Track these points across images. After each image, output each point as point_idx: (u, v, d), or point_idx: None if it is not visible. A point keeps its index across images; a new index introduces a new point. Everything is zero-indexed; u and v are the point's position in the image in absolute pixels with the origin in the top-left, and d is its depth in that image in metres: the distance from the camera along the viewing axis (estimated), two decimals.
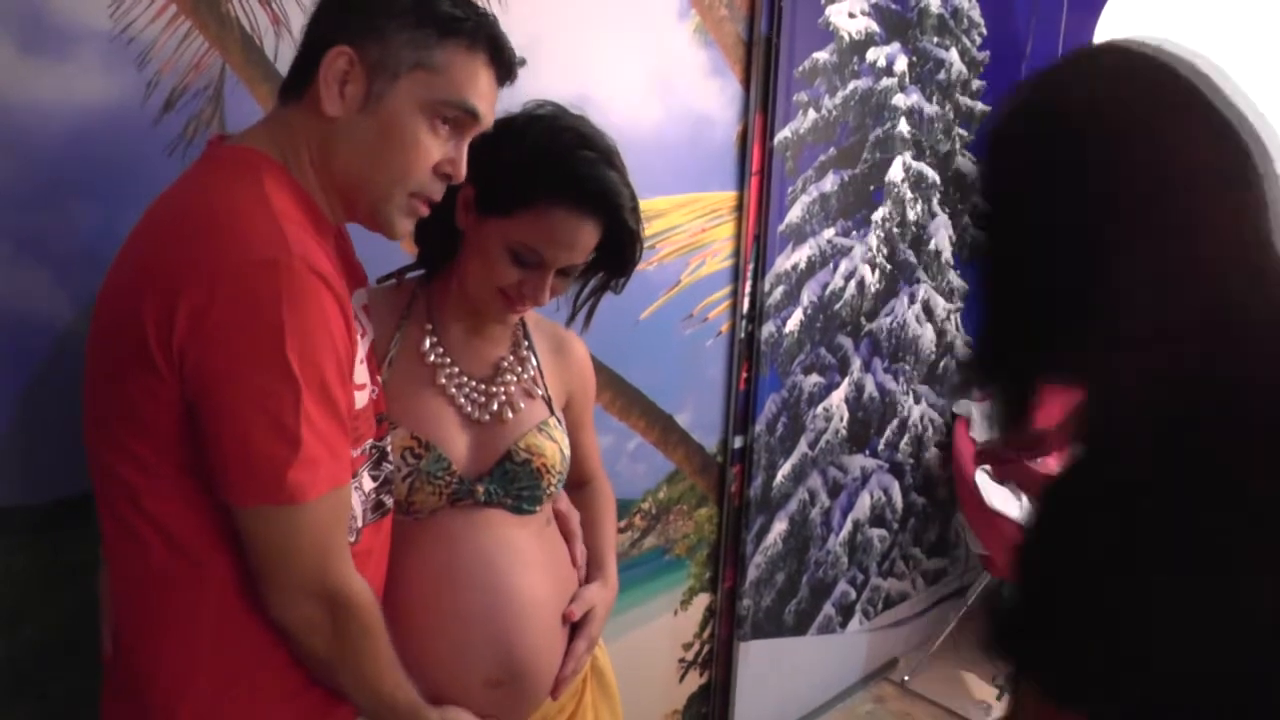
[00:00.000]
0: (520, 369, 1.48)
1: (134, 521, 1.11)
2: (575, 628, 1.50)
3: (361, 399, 1.21)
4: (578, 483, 1.71)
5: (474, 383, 1.44)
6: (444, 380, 1.42)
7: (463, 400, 1.42)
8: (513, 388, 1.46)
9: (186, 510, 1.10)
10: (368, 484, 1.27)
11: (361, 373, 1.21)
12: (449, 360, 1.43)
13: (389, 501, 1.33)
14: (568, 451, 1.50)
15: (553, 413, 1.50)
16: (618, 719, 1.71)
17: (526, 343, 1.52)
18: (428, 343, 1.43)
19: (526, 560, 1.43)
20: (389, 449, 1.34)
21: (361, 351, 1.22)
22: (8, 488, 1.35)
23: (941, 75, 2.95)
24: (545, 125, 1.35)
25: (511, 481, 1.42)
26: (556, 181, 1.31)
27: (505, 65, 1.21)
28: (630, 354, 2.22)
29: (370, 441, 1.27)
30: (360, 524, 1.25)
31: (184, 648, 1.14)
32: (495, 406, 1.43)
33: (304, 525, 1.08)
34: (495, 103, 1.21)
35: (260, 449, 1.04)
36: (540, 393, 1.50)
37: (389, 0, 1.14)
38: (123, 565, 1.16)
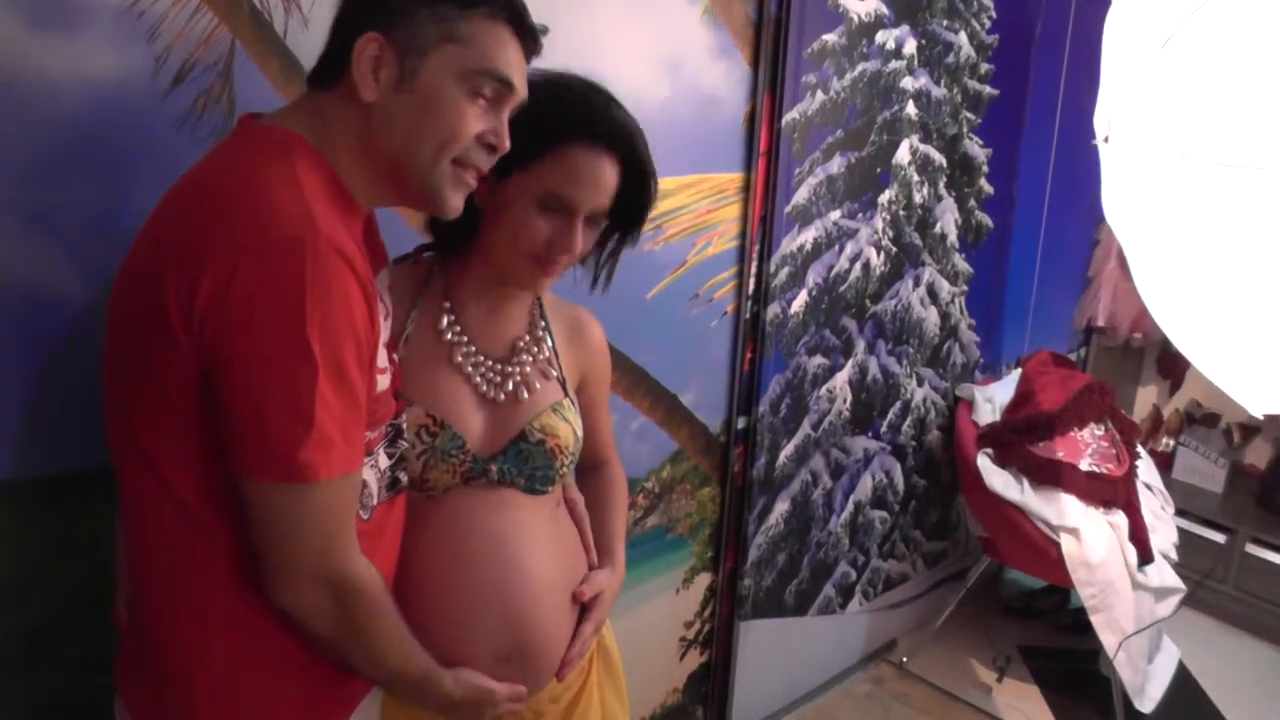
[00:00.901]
0: (536, 349, 1.49)
1: (151, 491, 1.12)
2: (583, 611, 1.52)
3: (383, 383, 1.22)
4: (591, 466, 1.71)
5: (490, 361, 1.44)
6: (460, 358, 1.42)
7: (478, 379, 1.42)
8: (528, 368, 1.46)
9: (203, 481, 1.11)
10: (383, 461, 1.28)
11: (382, 356, 1.21)
12: (466, 339, 1.44)
13: (404, 478, 1.34)
14: (580, 433, 1.51)
15: (567, 394, 1.51)
16: (623, 699, 1.72)
17: (543, 323, 1.53)
18: (445, 321, 1.43)
19: (538, 540, 1.44)
20: (404, 426, 1.35)
21: (385, 335, 1.23)
22: (18, 460, 1.36)
23: (950, 58, 2.95)
24: (552, 79, 1.37)
25: (525, 461, 1.42)
26: (572, 122, 1.33)
27: (528, 33, 1.22)
28: (636, 334, 2.22)
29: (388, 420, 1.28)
30: (375, 500, 1.26)
31: (200, 618, 1.15)
32: (510, 386, 1.44)
33: (312, 505, 1.09)
34: (525, 74, 1.22)
35: (274, 426, 1.04)
36: (555, 374, 1.51)
37: None
38: (138, 535, 1.17)
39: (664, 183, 2.18)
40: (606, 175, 1.35)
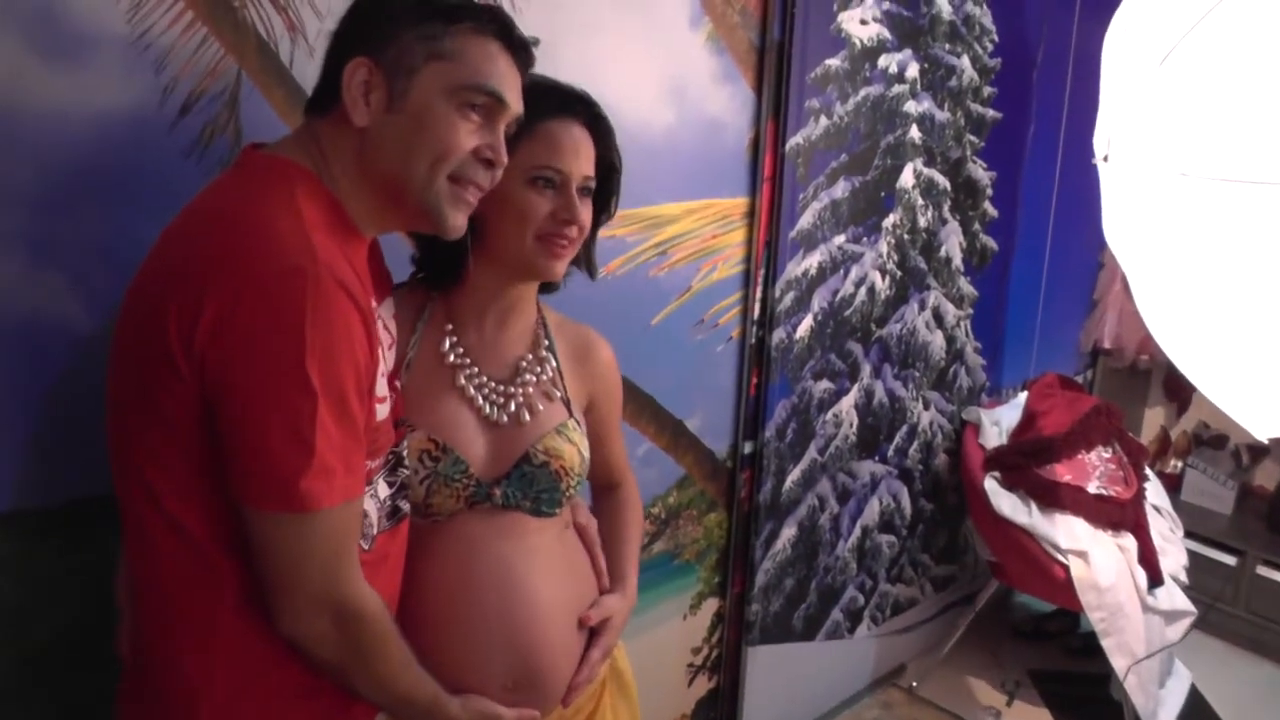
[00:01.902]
0: (540, 369, 1.49)
1: (153, 522, 1.12)
2: (591, 636, 1.51)
3: (382, 412, 1.22)
4: (605, 487, 1.71)
5: (493, 384, 1.44)
6: (463, 381, 1.42)
7: (481, 401, 1.42)
8: (531, 389, 1.46)
9: (206, 512, 1.11)
10: (383, 490, 1.28)
11: (382, 385, 1.21)
12: (469, 361, 1.44)
13: (405, 507, 1.34)
14: (586, 454, 1.50)
15: (571, 415, 1.50)
16: (635, 718, 1.70)
17: (546, 343, 1.52)
18: (448, 343, 1.44)
19: (545, 564, 1.44)
20: (405, 454, 1.35)
21: (387, 364, 1.23)
22: (23, 489, 1.36)
23: (953, 82, 2.96)
24: None
25: (530, 484, 1.42)
26: (538, 102, 1.34)
27: (518, 45, 1.22)
28: (641, 359, 2.22)
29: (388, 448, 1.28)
30: (375, 530, 1.26)
31: (202, 648, 1.15)
32: (513, 408, 1.44)
33: (315, 534, 1.09)
34: (519, 87, 1.23)
35: (276, 456, 1.05)
36: (560, 394, 1.50)
37: (394, 3, 1.16)
38: (142, 566, 1.17)
39: (668, 208, 2.21)
40: (582, 142, 1.39)
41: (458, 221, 1.22)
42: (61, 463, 1.38)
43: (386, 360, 1.27)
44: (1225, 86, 1.68)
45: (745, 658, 2.75)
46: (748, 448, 2.61)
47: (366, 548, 1.23)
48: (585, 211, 1.41)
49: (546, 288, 1.54)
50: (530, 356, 1.49)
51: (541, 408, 1.46)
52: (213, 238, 1.08)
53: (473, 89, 1.16)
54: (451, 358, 1.43)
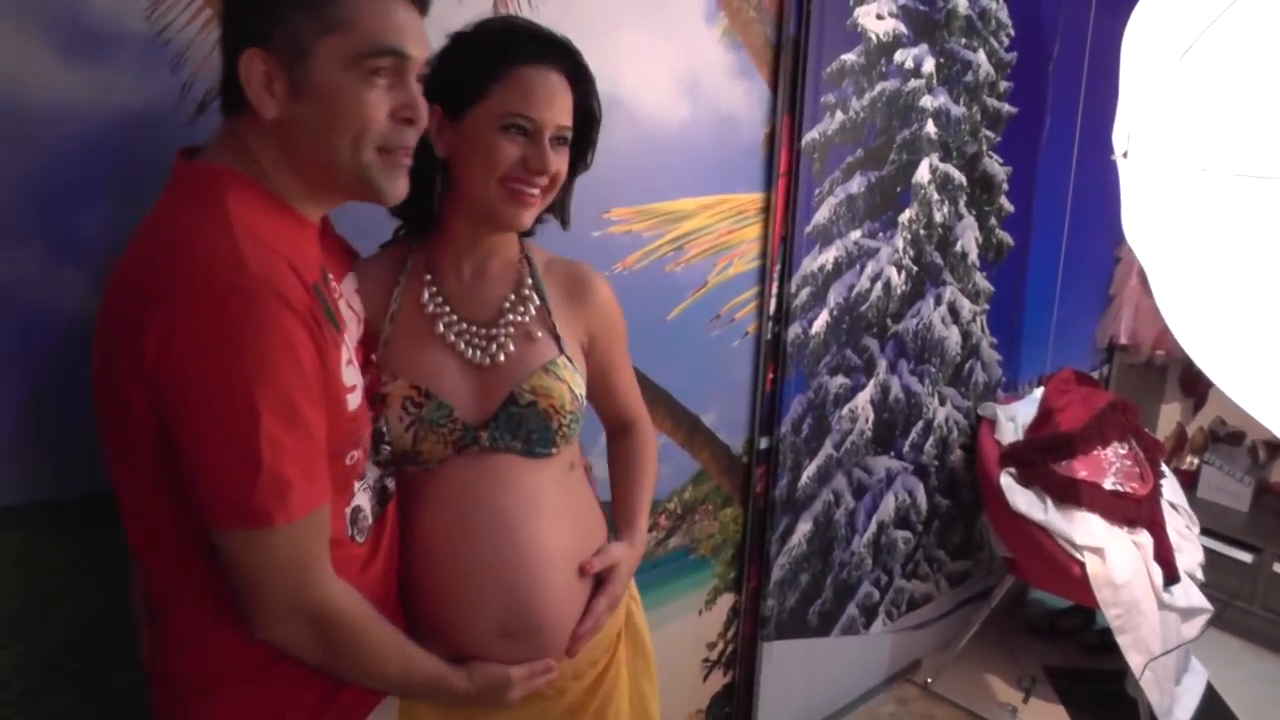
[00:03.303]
0: (523, 309, 1.46)
1: (135, 532, 1.16)
2: (597, 584, 1.49)
3: (354, 401, 1.21)
4: (618, 428, 1.69)
5: (474, 328, 1.42)
6: (442, 329, 1.41)
7: (463, 346, 1.41)
8: (514, 329, 1.44)
9: (180, 529, 1.12)
10: (372, 474, 1.30)
11: (350, 374, 1.21)
12: (447, 309, 1.42)
13: (391, 485, 1.35)
14: (580, 392, 1.46)
15: (562, 352, 1.47)
16: (652, 677, 1.68)
17: (530, 281, 1.49)
18: (426, 294, 1.42)
19: (542, 509, 1.42)
20: (385, 427, 1.35)
21: (348, 351, 1.22)
22: (38, 483, 1.37)
23: (969, 77, 2.95)
24: (487, 19, 1.40)
25: (518, 425, 1.40)
26: (511, 46, 1.34)
27: None
28: (657, 354, 2.22)
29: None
30: (371, 520, 1.28)
31: (199, 646, 1.18)
32: (494, 349, 1.42)
33: (278, 546, 1.09)
34: (421, 29, 1.18)
35: (225, 475, 1.05)
36: (545, 333, 1.47)
37: None
38: (159, 574, 1.20)
39: (684, 204, 2.20)
40: (559, 90, 1.36)
41: (397, 189, 1.19)
42: (78, 456, 1.39)
43: (350, 340, 1.26)
44: (1246, 81, 1.67)
45: (760, 653, 2.76)
46: (763, 443, 2.61)
47: (361, 540, 1.25)
48: (559, 161, 1.37)
49: (525, 234, 1.51)
50: (513, 297, 1.46)
51: (527, 346, 1.44)
52: (150, 261, 1.08)
53: (372, 53, 1.11)
54: (430, 307, 1.42)
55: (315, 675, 1.21)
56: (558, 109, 1.35)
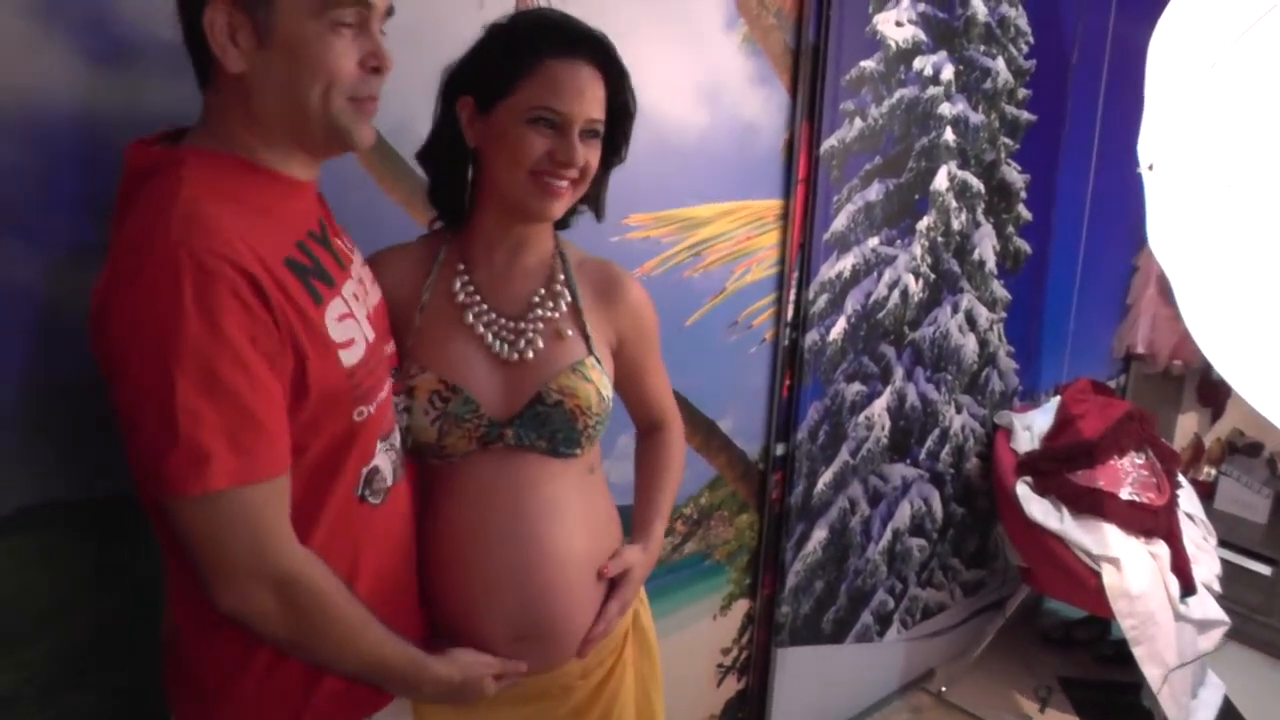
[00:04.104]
0: (553, 305, 1.45)
1: (155, 518, 1.16)
2: (610, 588, 1.49)
3: (352, 355, 1.20)
4: (645, 430, 1.69)
5: (504, 320, 1.42)
6: (472, 319, 1.41)
7: (491, 339, 1.41)
8: (544, 325, 1.43)
9: (154, 508, 1.13)
10: (398, 439, 1.32)
11: (348, 328, 1.20)
12: (479, 299, 1.42)
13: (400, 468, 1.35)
14: (607, 393, 1.46)
15: (591, 352, 1.46)
16: (658, 678, 1.68)
17: (562, 278, 1.48)
18: (458, 283, 1.42)
19: (560, 510, 1.41)
20: (408, 419, 1.36)
21: (345, 304, 1.21)
22: (62, 483, 1.38)
23: (988, 84, 2.94)
24: (521, 12, 1.42)
25: (544, 424, 1.40)
26: (542, 38, 1.34)
27: None
28: (674, 360, 2.20)
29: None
30: (390, 482, 1.28)
31: (228, 639, 1.18)
32: (523, 345, 1.41)
33: (221, 515, 1.07)
34: None
35: (147, 442, 1.05)
36: (575, 331, 1.46)
37: None
38: (169, 561, 1.22)
39: (703, 210, 2.21)
40: (589, 84, 1.35)
41: (366, 134, 1.19)
42: (103, 455, 1.39)
43: (359, 298, 1.26)
44: (1275, 97, 1.66)
45: (774, 659, 2.75)
46: (780, 449, 2.61)
47: (377, 502, 1.25)
48: (590, 154, 1.37)
49: (558, 223, 1.52)
50: (543, 291, 1.46)
51: (556, 344, 1.43)
52: (110, 245, 1.10)
53: (335, 4, 1.10)
54: (461, 296, 1.42)
55: (320, 673, 1.21)
56: (587, 102, 1.35)
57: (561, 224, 1.52)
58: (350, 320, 1.21)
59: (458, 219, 1.47)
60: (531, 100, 1.32)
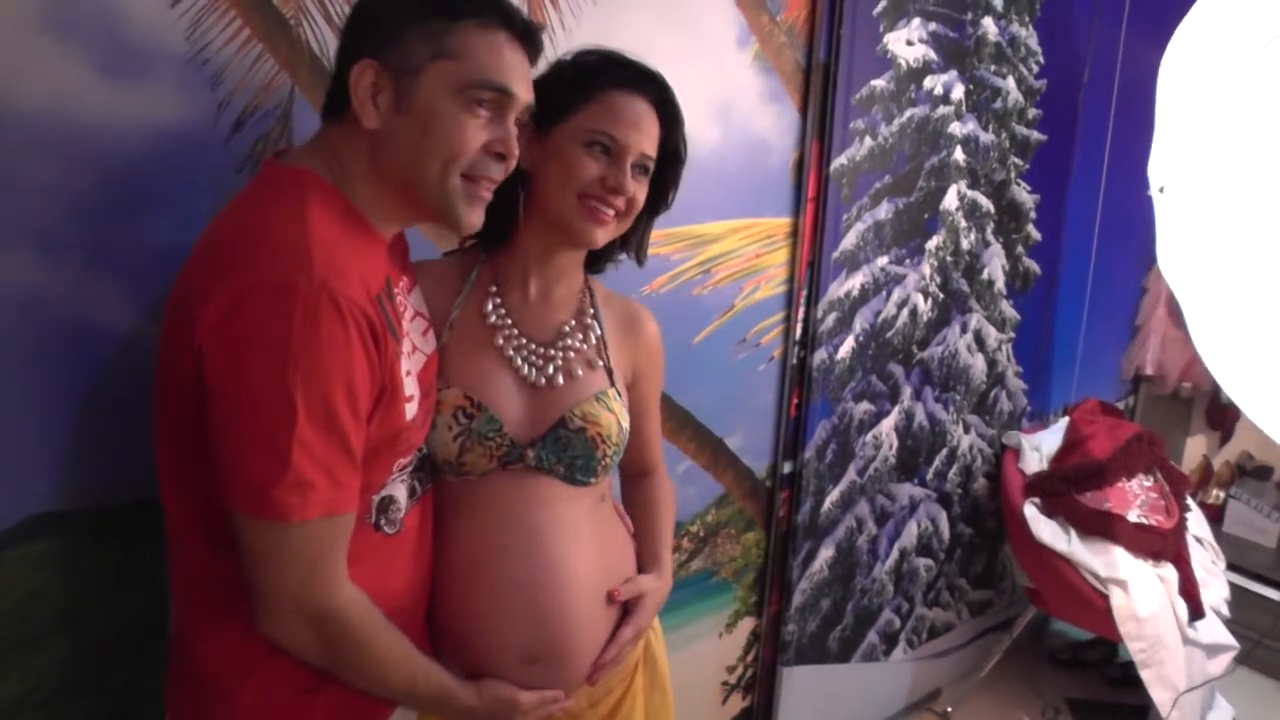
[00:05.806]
0: (582, 336, 1.48)
1: (184, 520, 1.16)
2: (623, 615, 1.49)
3: (411, 410, 1.23)
4: (638, 473, 1.69)
5: (533, 345, 1.44)
6: (502, 342, 1.42)
7: (520, 362, 1.42)
8: (573, 355, 1.45)
9: (196, 513, 1.15)
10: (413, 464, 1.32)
11: (410, 384, 1.23)
12: (510, 322, 1.44)
13: (419, 487, 1.35)
14: (626, 424, 1.48)
15: (613, 384, 1.49)
16: (668, 710, 1.68)
17: (592, 311, 1.51)
18: (490, 305, 1.44)
19: (575, 536, 1.42)
20: (438, 416, 1.36)
21: (408, 362, 1.24)
22: (80, 490, 1.38)
23: (998, 104, 2.94)
24: (586, 49, 1.43)
25: (564, 449, 1.41)
26: (608, 71, 1.38)
27: (524, 33, 1.21)
28: (682, 377, 2.22)
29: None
30: (403, 513, 1.29)
31: (235, 642, 1.18)
32: (552, 371, 1.43)
33: (292, 542, 1.10)
34: (528, 75, 1.23)
35: (251, 463, 1.07)
36: (601, 363, 1.48)
37: (397, 2, 1.17)
38: (179, 562, 1.21)
39: (712, 227, 2.21)
40: (646, 118, 1.39)
41: (473, 218, 1.22)
42: (116, 463, 1.40)
43: (421, 350, 1.29)
44: None
45: (780, 678, 2.74)
46: (787, 467, 2.60)
47: (392, 532, 1.26)
48: (639, 189, 1.40)
49: (594, 264, 1.54)
50: (573, 322, 1.48)
51: (581, 373, 1.45)
52: (222, 250, 1.11)
53: (479, 86, 1.16)
54: (493, 318, 1.43)
55: (326, 679, 1.22)
56: (643, 135, 1.38)
57: (596, 268, 1.55)
58: (410, 378, 1.25)
59: (497, 241, 1.48)
60: (590, 124, 1.35)
